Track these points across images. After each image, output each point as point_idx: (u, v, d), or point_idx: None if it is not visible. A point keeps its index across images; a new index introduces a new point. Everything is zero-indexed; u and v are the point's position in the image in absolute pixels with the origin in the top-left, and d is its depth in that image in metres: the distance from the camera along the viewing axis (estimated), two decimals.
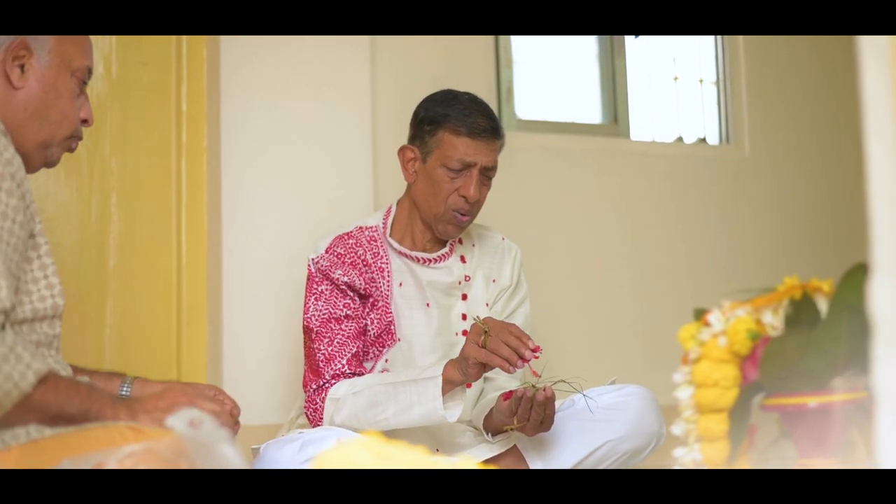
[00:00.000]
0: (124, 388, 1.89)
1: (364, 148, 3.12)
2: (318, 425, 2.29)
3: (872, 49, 0.92)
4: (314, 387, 2.30)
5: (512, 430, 2.18)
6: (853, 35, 0.95)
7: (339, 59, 3.10)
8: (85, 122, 1.74)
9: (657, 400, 2.31)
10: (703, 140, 3.96)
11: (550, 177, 3.58)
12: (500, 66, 3.55)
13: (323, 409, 2.27)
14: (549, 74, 3.75)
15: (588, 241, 3.61)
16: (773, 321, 1.43)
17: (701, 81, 3.98)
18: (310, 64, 3.08)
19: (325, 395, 2.27)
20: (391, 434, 2.30)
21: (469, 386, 2.40)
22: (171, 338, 2.97)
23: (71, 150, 1.74)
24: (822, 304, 1.45)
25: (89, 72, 1.73)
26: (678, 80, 3.96)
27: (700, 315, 1.48)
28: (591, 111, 3.81)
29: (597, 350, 3.53)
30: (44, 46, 1.65)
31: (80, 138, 1.75)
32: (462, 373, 2.13)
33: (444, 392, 2.14)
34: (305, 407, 2.32)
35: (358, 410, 2.22)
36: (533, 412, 2.11)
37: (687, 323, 1.50)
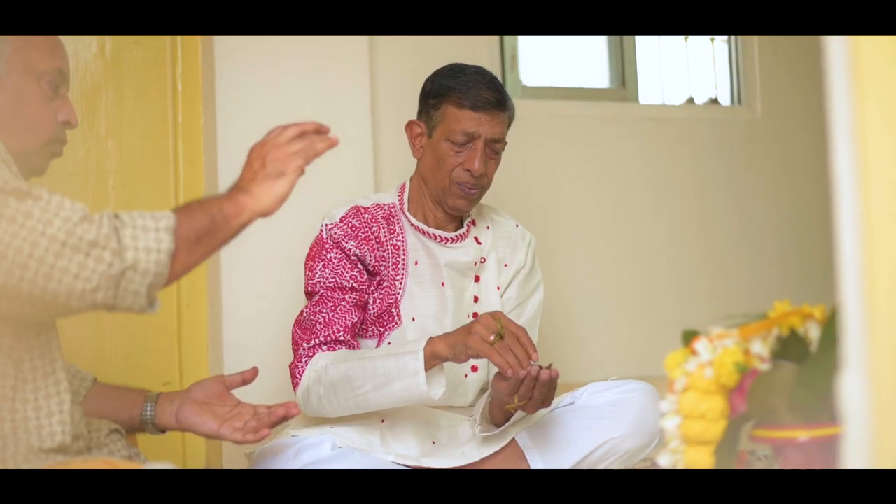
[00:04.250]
0: (148, 409, 1.89)
1: (364, 128, 3.06)
2: (295, 390, 2.23)
3: (837, 52, 0.86)
4: (306, 346, 2.22)
5: (514, 408, 2.12)
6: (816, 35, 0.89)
7: (337, 38, 3.03)
8: (67, 123, 1.69)
9: (660, 396, 2.25)
10: (715, 101, 3.87)
11: (557, 144, 3.51)
12: None
13: (304, 371, 2.21)
14: (553, 39, 3.67)
15: (597, 208, 3.55)
16: (762, 351, 1.37)
17: (712, 40, 3.89)
18: (307, 41, 3.01)
19: (314, 356, 2.21)
20: (389, 426, 2.26)
21: (475, 369, 2.35)
22: (172, 321, 2.96)
23: (57, 154, 1.71)
24: (814, 331, 1.39)
25: (61, 73, 1.68)
26: (688, 40, 3.87)
27: (688, 338, 1.42)
28: (598, 75, 3.73)
29: (606, 320, 3.49)
30: (1, 56, 1.60)
31: (64, 142, 1.71)
32: (452, 351, 2.06)
33: (427, 367, 2.07)
34: (293, 365, 2.25)
35: (336, 383, 2.14)
36: (536, 391, 2.06)
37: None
